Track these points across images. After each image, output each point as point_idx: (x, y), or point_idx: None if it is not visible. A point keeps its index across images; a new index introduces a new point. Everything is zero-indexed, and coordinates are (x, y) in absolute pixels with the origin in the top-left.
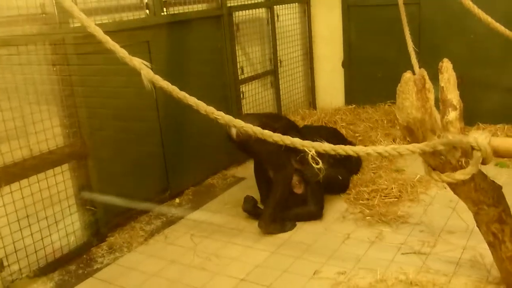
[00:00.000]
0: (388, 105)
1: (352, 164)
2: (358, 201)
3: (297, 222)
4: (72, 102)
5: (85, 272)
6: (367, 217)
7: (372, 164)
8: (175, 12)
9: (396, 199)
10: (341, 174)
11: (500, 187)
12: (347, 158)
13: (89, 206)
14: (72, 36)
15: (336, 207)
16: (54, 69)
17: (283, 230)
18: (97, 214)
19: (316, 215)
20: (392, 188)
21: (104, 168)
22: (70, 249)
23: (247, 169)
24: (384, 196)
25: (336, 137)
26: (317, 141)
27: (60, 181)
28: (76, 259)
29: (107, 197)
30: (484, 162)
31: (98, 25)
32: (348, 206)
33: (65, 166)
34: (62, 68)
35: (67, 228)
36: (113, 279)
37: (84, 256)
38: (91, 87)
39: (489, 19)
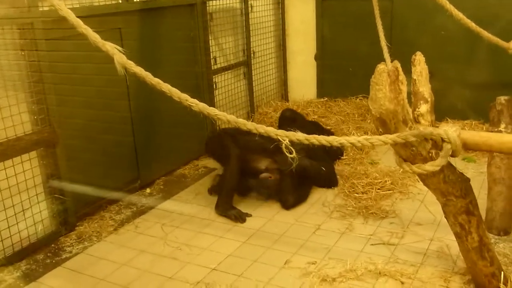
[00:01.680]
0: (360, 99)
1: (331, 156)
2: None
3: (264, 214)
4: (41, 89)
5: (53, 261)
6: (336, 210)
7: (345, 157)
8: None
9: (369, 192)
10: (326, 167)
11: (468, 179)
12: (326, 150)
13: (57, 195)
14: (42, 20)
15: (309, 198)
16: (22, 54)
17: (226, 214)
18: (65, 203)
19: (288, 205)
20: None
21: (73, 157)
22: (37, 238)
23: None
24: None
25: (316, 127)
26: (291, 130)
27: (27, 168)
28: (44, 249)
29: (76, 186)
30: (453, 155)
31: (69, 9)
32: (319, 197)
33: (33, 154)
34: (31, 53)
35: (35, 217)
36: (82, 268)
37: (52, 245)
38: (60, 73)
39: (460, 15)
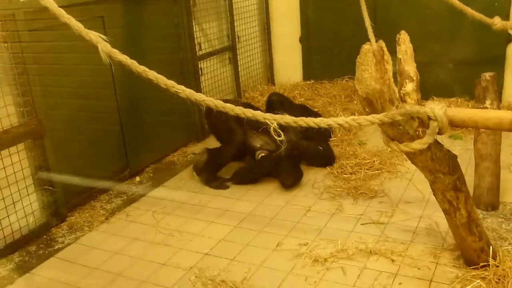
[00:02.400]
0: (346, 80)
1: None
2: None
3: (255, 198)
4: (25, 80)
5: (46, 252)
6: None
7: (334, 138)
8: None
9: (358, 173)
10: (322, 147)
11: (455, 156)
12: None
13: (47, 186)
14: (23, 11)
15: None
16: (5, 46)
17: (208, 183)
18: (55, 194)
19: (287, 184)
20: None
21: (61, 147)
22: (29, 230)
23: (207, 146)
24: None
25: (303, 110)
26: (278, 113)
27: (16, 161)
28: (36, 240)
29: (65, 176)
30: (440, 132)
31: None
32: (309, 179)
33: (21, 146)
34: (14, 45)
35: (26, 209)
36: (74, 258)
37: (44, 236)
38: (45, 64)
39: None
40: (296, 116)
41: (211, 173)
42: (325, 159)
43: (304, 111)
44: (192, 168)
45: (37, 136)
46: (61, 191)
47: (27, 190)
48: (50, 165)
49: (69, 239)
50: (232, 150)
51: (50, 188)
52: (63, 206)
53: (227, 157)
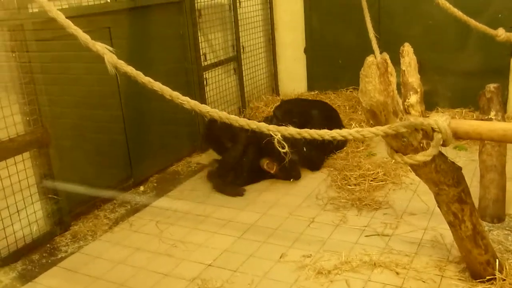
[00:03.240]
0: (350, 91)
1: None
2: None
3: (258, 209)
4: (32, 89)
5: (49, 261)
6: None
7: (348, 148)
8: None
9: (362, 184)
10: (309, 150)
11: (459, 168)
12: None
13: (51, 195)
14: (31, 21)
15: (302, 191)
16: (13, 55)
17: (222, 189)
18: (60, 203)
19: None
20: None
21: (66, 156)
22: (33, 238)
23: (211, 156)
24: (351, 181)
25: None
26: (283, 125)
27: (21, 169)
28: (39, 249)
29: (69, 185)
30: (444, 144)
31: (58, 10)
32: (313, 191)
33: (26, 155)
34: (21, 54)
35: (30, 218)
36: (77, 267)
37: (48, 245)
38: (51, 74)
39: (447, 4)
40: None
41: (223, 180)
42: (310, 164)
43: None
44: (207, 179)
45: (43, 144)
46: (65, 200)
47: (31, 199)
48: (54, 173)
49: (73, 248)
50: (239, 147)
51: (55, 196)
52: (67, 215)
53: (235, 157)
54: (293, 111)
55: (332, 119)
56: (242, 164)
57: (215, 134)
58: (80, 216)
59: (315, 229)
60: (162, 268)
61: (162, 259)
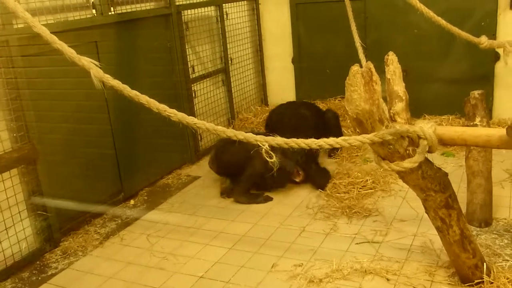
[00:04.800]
0: (338, 100)
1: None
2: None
3: (249, 219)
4: (19, 105)
5: (39, 278)
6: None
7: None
8: (123, 11)
9: (351, 192)
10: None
11: (446, 174)
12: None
13: (40, 211)
14: (16, 37)
15: (293, 201)
16: None
17: (254, 201)
18: (49, 219)
19: (322, 186)
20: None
21: (55, 172)
22: (22, 256)
23: (201, 168)
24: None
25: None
26: (270, 135)
27: (9, 186)
28: (29, 266)
29: (59, 201)
30: (430, 150)
31: (43, 25)
32: (303, 200)
33: (14, 171)
34: (7, 70)
35: (19, 235)
36: (68, 284)
37: (38, 262)
38: (38, 89)
39: (430, 13)
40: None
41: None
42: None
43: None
44: (225, 197)
45: (30, 161)
46: (55, 216)
47: (20, 216)
48: (43, 190)
49: (63, 264)
50: (259, 163)
51: (44, 213)
52: (57, 231)
53: (259, 173)
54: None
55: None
56: (265, 177)
57: (227, 160)
58: (70, 232)
59: (306, 238)
60: (154, 282)
61: (153, 272)
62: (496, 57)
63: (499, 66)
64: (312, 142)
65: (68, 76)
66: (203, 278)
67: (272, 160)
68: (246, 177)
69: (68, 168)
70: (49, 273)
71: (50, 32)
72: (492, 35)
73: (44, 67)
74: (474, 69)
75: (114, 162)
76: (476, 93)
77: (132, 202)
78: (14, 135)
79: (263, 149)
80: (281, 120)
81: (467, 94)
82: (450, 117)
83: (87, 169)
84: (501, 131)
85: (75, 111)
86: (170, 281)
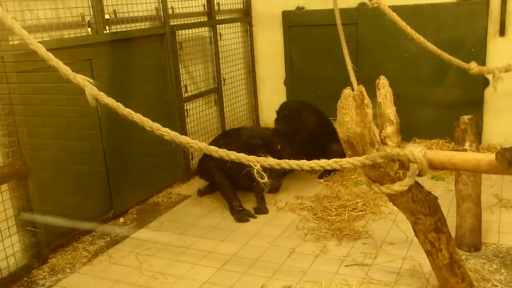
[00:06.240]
0: None
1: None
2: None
3: (239, 240)
4: (12, 121)
5: None
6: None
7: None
8: (118, 30)
9: (342, 214)
10: None
11: (435, 198)
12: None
13: (29, 227)
14: (12, 53)
15: (283, 222)
16: None
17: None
18: (38, 236)
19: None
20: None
21: (45, 188)
22: (10, 271)
23: (192, 187)
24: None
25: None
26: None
27: None
28: (16, 282)
29: (48, 217)
30: (420, 174)
31: (39, 42)
32: (293, 221)
33: (5, 187)
34: (1, 86)
35: (7, 250)
36: None
37: (25, 278)
38: (31, 105)
39: (421, 38)
40: None
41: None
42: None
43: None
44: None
45: (21, 176)
46: (44, 232)
47: (9, 231)
48: (33, 205)
49: (50, 281)
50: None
51: (33, 229)
52: (45, 248)
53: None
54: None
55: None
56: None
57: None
58: (58, 248)
59: (296, 260)
60: None
61: None
62: (486, 82)
63: (488, 92)
64: (304, 164)
65: (62, 92)
66: None
67: (263, 181)
68: (223, 195)
69: (59, 184)
70: None
71: (46, 49)
72: (482, 61)
73: (38, 83)
74: (464, 94)
75: (105, 179)
76: (466, 118)
77: (121, 220)
78: (6, 150)
79: (255, 170)
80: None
81: (457, 118)
82: (440, 141)
83: (78, 186)
84: (491, 156)
85: (67, 127)
86: None
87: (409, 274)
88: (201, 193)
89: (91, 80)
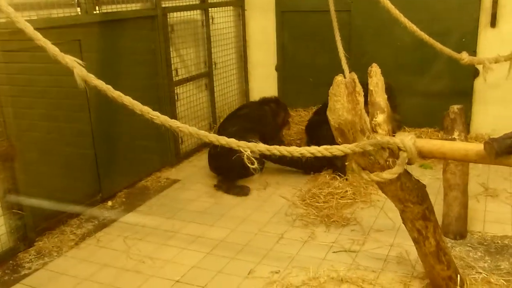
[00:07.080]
0: None
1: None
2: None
3: (228, 225)
4: None
5: (12, 278)
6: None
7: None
8: (108, 10)
9: (330, 201)
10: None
11: (424, 186)
12: None
13: (15, 210)
14: None
15: (272, 208)
16: None
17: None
18: (24, 218)
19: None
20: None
21: (32, 170)
22: None
23: (181, 171)
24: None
25: None
26: (251, 141)
27: None
28: (1, 265)
29: (35, 200)
30: (409, 162)
31: (27, 21)
32: (282, 207)
33: None
34: None
35: None
36: (42, 285)
37: (11, 261)
38: (18, 86)
39: (414, 27)
40: None
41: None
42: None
43: None
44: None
45: (8, 158)
46: (30, 215)
47: None
48: (19, 188)
49: (37, 264)
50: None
51: (19, 211)
52: (32, 231)
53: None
54: None
55: None
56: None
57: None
58: (45, 231)
59: (284, 245)
60: (130, 285)
61: (129, 275)
62: (476, 73)
63: (478, 82)
64: (294, 150)
65: (49, 73)
66: (180, 282)
67: (253, 166)
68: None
69: (46, 166)
70: (22, 273)
71: (34, 29)
72: (473, 51)
73: (25, 63)
74: (454, 84)
75: (93, 162)
76: (455, 107)
77: (109, 203)
78: None
79: (245, 155)
80: None
81: (446, 108)
82: (429, 130)
83: (66, 168)
84: (479, 146)
85: (55, 109)
86: (146, 284)
87: (396, 261)
88: (218, 187)
89: (80, 62)
